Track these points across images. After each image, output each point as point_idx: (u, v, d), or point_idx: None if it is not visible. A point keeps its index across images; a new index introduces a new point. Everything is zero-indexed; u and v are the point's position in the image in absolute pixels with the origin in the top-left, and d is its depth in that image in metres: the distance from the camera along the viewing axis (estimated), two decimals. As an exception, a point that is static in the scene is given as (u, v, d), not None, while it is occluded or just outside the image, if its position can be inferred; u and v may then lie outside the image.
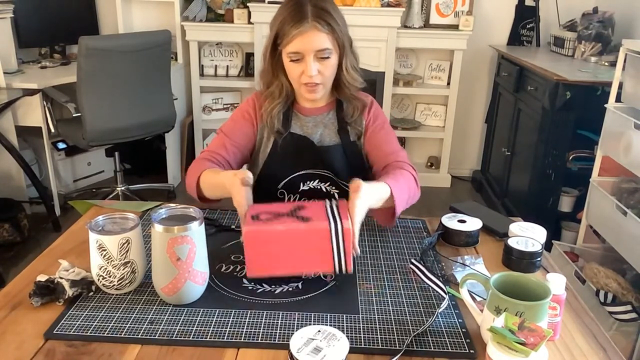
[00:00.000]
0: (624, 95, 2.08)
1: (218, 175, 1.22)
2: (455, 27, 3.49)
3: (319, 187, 1.40)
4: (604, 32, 2.91)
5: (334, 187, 1.40)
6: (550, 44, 3.36)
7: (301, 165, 1.38)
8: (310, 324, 0.92)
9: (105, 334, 0.89)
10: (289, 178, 1.38)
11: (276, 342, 0.88)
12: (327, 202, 1.11)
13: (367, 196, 1.08)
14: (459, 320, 0.95)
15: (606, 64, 2.80)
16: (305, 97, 1.36)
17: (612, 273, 2.01)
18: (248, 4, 3.34)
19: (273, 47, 1.33)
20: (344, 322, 0.94)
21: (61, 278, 0.97)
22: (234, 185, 1.10)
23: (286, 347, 0.81)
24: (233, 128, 1.41)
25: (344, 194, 1.40)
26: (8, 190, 2.89)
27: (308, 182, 1.39)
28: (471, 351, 0.87)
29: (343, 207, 1.06)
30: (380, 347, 0.88)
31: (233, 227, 1.27)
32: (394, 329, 0.92)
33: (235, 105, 3.83)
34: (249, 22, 3.40)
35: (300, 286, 1.04)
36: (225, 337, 0.89)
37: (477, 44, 3.58)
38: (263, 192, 1.44)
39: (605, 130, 2.15)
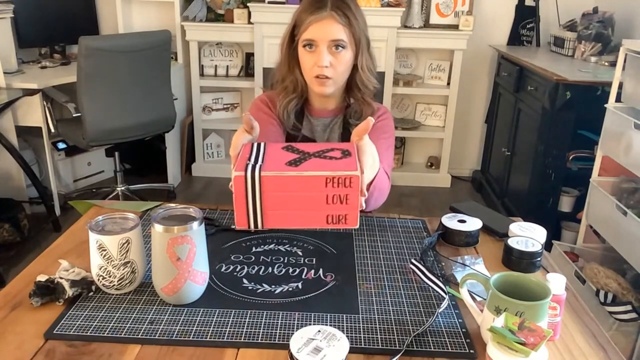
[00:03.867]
0: (624, 95, 2.08)
1: None
2: (455, 27, 3.49)
3: None
4: (604, 32, 2.92)
5: None
6: (550, 44, 3.37)
7: None
8: (310, 324, 0.92)
9: (105, 334, 0.89)
10: None
11: (276, 342, 0.88)
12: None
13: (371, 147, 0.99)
14: (459, 320, 0.95)
15: (606, 64, 2.80)
16: (316, 90, 1.33)
17: (612, 273, 2.01)
18: (248, 4, 3.34)
19: (290, 39, 1.33)
20: (344, 322, 0.94)
21: (61, 278, 0.97)
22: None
23: (286, 347, 0.81)
24: (264, 132, 1.29)
25: None
26: (8, 190, 2.89)
27: None
28: (471, 351, 0.87)
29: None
30: (380, 347, 0.88)
31: (233, 227, 1.27)
32: (394, 329, 0.92)
33: (235, 105, 3.83)
34: (249, 22, 3.40)
35: (300, 286, 1.04)
36: (225, 337, 0.89)
37: (477, 44, 3.58)
38: None
39: (605, 130, 2.15)
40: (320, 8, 1.26)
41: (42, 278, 0.97)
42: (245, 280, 1.06)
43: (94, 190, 3.44)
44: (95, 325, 0.91)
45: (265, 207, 0.87)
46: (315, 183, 0.85)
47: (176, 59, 3.54)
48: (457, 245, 1.23)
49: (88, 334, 0.89)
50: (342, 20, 1.27)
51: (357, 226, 0.88)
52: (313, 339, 0.80)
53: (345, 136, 1.39)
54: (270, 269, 1.10)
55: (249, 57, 3.64)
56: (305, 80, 1.36)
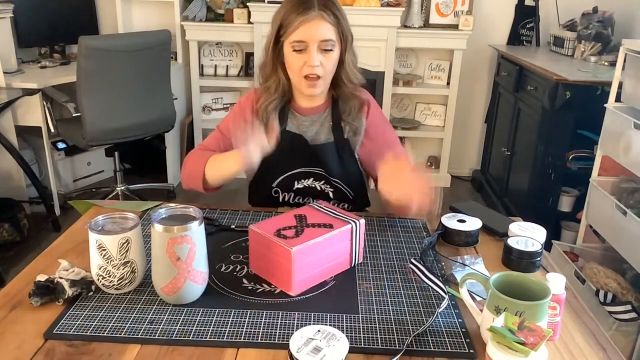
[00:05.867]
0: (624, 95, 2.08)
1: (229, 152, 1.26)
2: (455, 27, 3.49)
3: (313, 185, 1.40)
4: (604, 32, 2.91)
5: (328, 186, 1.40)
6: (550, 44, 3.36)
7: (296, 164, 1.38)
8: (310, 324, 0.92)
9: (105, 334, 0.89)
10: (284, 176, 1.39)
11: (276, 342, 0.88)
12: (315, 205, 1.17)
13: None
14: (459, 320, 0.95)
15: (606, 64, 2.80)
16: (305, 92, 1.34)
17: (612, 273, 2.01)
18: (248, 4, 3.34)
19: (275, 40, 1.33)
20: (344, 322, 0.94)
21: (61, 278, 0.97)
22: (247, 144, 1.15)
23: (286, 347, 0.81)
24: (229, 126, 1.40)
25: (338, 193, 1.41)
26: (8, 190, 2.89)
27: (303, 181, 1.40)
28: (471, 351, 0.87)
29: (330, 206, 1.17)
30: (380, 347, 0.88)
31: (233, 227, 1.27)
32: (394, 329, 0.92)
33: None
34: (249, 22, 3.40)
35: (300, 286, 1.04)
36: (225, 337, 0.89)
37: (477, 44, 3.58)
38: (258, 190, 1.44)
39: (605, 130, 2.15)
40: (308, 9, 1.26)
41: (42, 278, 0.97)
42: (245, 280, 1.06)
43: (94, 190, 3.44)
44: (95, 325, 0.91)
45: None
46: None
47: (176, 59, 3.53)
48: (457, 245, 1.23)
49: (88, 334, 0.89)
50: (331, 19, 1.27)
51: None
52: (313, 339, 0.80)
53: (337, 129, 1.40)
54: (270, 269, 1.10)
55: (249, 57, 3.64)
56: (288, 81, 1.36)
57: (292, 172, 1.38)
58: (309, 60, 1.27)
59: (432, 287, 1.04)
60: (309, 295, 1.01)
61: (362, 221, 1.10)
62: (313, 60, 1.27)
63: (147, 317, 0.93)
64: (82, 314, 0.94)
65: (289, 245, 0.98)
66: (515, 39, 3.61)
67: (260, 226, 1.07)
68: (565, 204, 2.74)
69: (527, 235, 1.18)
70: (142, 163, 3.71)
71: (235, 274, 1.08)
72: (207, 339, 0.88)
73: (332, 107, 1.42)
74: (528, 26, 3.57)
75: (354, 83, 1.38)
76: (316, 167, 1.38)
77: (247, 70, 3.69)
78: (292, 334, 0.82)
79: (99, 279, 0.98)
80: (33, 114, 2.84)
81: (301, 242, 1.00)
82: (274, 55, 1.34)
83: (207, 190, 1.35)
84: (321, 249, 1.03)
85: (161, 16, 3.60)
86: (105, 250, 0.95)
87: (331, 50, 1.29)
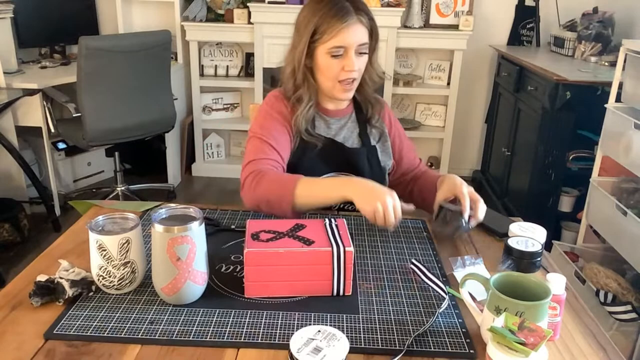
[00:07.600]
0: (624, 95, 2.08)
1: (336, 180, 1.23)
2: (455, 27, 3.49)
3: None
4: (604, 32, 2.91)
5: None
6: (550, 44, 3.37)
7: (327, 168, 1.35)
8: (310, 324, 0.92)
9: (105, 334, 0.89)
10: None
11: (276, 342, 0.88)
12: (327, 220, 1.10)
13: None
14: (459, 320, 0.95)
15: (606, 64, 2.81)
16: (339, 96, 1.33)
17: (612, 273, 2.01)
18: (248, 4, 3.34)
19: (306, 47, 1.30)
20: (344, 322, 0.94)
21: (61, 278, 0.97)
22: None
23: (286, 347, 0.80)
24: (271, 130, 1.33)
25: None
26: (8, 190, 2.89)
27: None
28: (471, 351, 0.87)
29: (343, 228, 1.06)
30: (380, 347, 0.88)
31: (233, 227, 1.27)
32: (394, 329, 0.92)
33: (236, 105, 3.83)
34: (249, 22, 3.40)
35: (300, 286, 1.04)
36: (225, 337, 0.89)
37: (477, 44, 3.58)
38: None
39: (605, 130, 2.15)
40: (346, 14, 1.25)
41: (42, 278, 0.97)
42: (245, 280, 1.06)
43: (94, 190, 3.44)
44: (95, 325, 0.91)
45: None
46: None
47: (176, 59, 3.54)
48: (449, 233, 1.24)
49: (88, 334, 0.89)
50: (366, 22, 1.28)
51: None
52: (313, 339, 0.80)
53: (364, 136, 1.41)
54: (270, 269, 1.10)
55: (249, 57, 3.64)
56: (317, 86, 1.34)
57: (323, 177, 1.33)
58: (347, 64, 1.27)
59: (432, 287, 1.04)
60: (309, 295, 1.01)
61: (349, 249, 0.99)
62: (352, 65, 1.27)
63: (147, 317, 0.93)
64: (82, 314, 0.94)
65: (249, 246, 0.98)
66: (515, 39, 3.62)
67: (252, 223, 1.07)
68: (565, 204, 2.74)
69: (527, 235, 1.17)
70: (142, 163, 3.71)
71: (235, 274, 1.08)
72: (207, 339, 0.88)
73: (355, 110, 1.42)
74: (528, 26, 3.57)
75: (375, 81, 1.38)
76: (347, 171, 1.35)
77: (247, 70, 3.69)
78: (292, 334, 0.82)
79: (99, 279, 0.98)
80: (33, 114, 2.84)
81: (262, 247, 0.98)
82: (306, 62, 1.31)
83: (293, 213, 1.21)
84: (281, 260, 0.98)
85: (161, 16, 3.60)
86: (105, 250, 0.95)
87: (365, 54, 1.30)
